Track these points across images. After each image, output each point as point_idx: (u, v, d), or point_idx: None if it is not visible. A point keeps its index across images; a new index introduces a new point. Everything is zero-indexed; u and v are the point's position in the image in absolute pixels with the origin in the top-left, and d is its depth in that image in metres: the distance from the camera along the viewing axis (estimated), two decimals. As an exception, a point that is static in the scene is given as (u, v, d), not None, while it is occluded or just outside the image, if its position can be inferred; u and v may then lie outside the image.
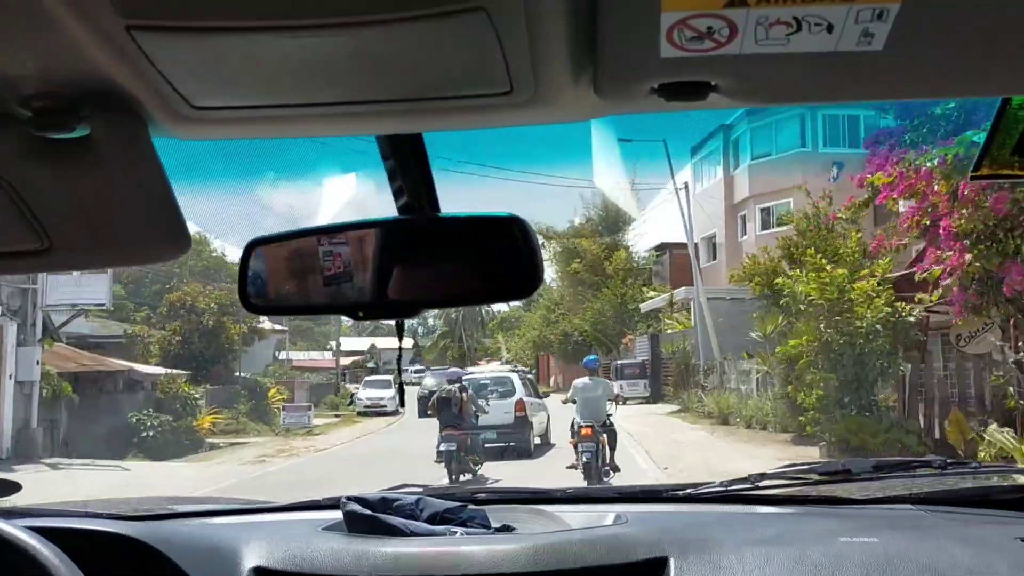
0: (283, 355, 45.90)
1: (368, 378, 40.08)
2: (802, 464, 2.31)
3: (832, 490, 2.22)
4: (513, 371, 22.46)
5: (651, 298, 34.65)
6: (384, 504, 1.98)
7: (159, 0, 0.68)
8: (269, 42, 0.73)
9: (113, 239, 1.03)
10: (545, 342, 44.09)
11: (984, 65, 0.80)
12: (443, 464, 12.32)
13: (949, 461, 2.28)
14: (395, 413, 31.80)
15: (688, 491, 2.27)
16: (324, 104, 0.85)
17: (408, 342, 70.59)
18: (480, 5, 0.68)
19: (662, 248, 39.33)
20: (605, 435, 11.12)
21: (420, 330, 68.82)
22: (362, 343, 72.93)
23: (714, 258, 33.03)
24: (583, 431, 10.86)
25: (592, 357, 13.34)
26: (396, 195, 1.13)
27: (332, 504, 2.13)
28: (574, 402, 11.84)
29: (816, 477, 2.28)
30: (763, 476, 2.27)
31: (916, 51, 0.76)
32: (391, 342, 75.00)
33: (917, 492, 2.10)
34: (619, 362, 32.42)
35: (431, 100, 0.85)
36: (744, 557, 1.66)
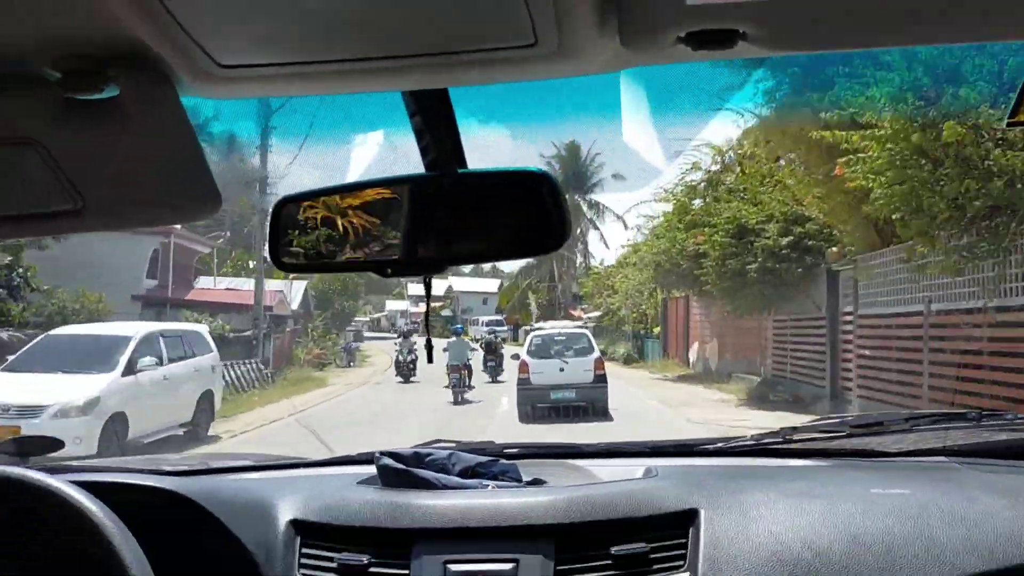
0: (202, 282, 28.48)
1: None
2: (835, 417, 2.30)
3: (864, 443, 2.22)
4: (585, 327, 21.07)
5: None
6: (417, 459, 2.01)
7: None
8: None
9: (144, 199, 1.03)
10: (682, 264, 20.13)
11: (1021, 8, 0.78)
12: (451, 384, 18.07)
13: (984, 413, 2.26)
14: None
15: (719, 445, 2.28)
16: (350, 60, 0.85)
17: (493, 284, 61.04)
18: None
19: None
20: (466, 370, 18.26)
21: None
22: (437, 286, 60.70)
23: None
24: (454, 367, 17.79)
25: (458, 326, 20.71)
26: (423, 151, 1.13)
27: (366, 459, 2.16)
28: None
29: (848, 430, 2.27)
30: (795, 430, 2.26)
31: None
32: (478, 284, 61.31)
33: (951, 445, 2.09)
34: None
35: (456, 54, 0.85)
36: (775, 508, 1.67)
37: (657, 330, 30.66)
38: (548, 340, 16.94)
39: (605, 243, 52.91)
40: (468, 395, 18.42)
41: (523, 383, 15.61)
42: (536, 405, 15.01)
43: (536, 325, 24.67)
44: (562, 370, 15.57)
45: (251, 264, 29.71)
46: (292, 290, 32.23)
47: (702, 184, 21.26)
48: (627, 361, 30.12)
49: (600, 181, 51.26)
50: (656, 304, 28.09)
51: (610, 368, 17.83)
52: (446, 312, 56.07)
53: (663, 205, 22.86)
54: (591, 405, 15.05)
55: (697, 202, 20.74)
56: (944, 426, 2.24)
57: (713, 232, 17.25)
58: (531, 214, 1.10)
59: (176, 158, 0.97)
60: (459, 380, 18.05)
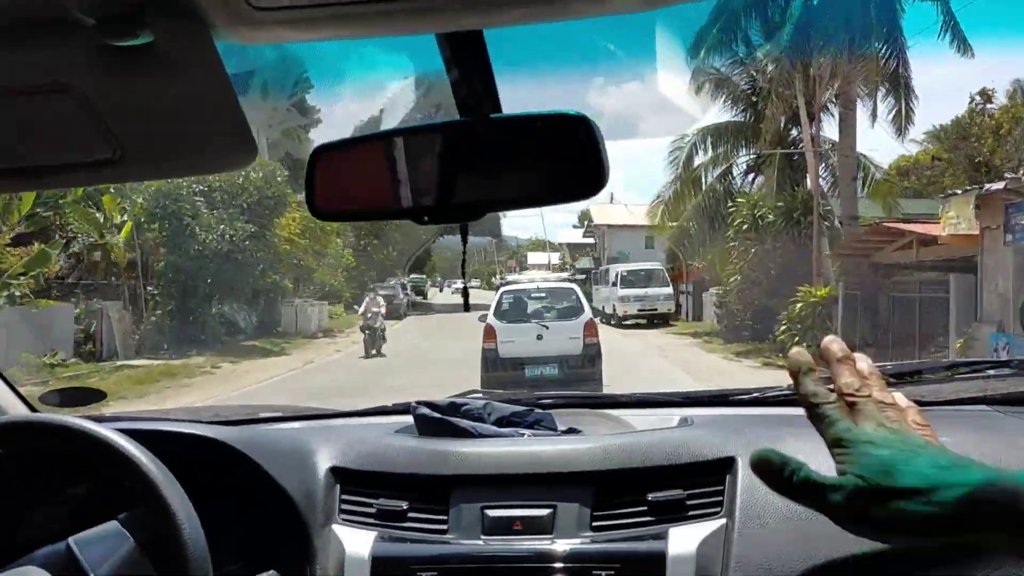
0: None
1: None
2: (874, 366, 2.27)
3: (903, 393, 2.19)
4: (572, 280, 16.04)
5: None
6: (453, 408, 2.03)
7: None
8: None
9: (181, 148, 1.03)
10: None
11: None
12: None
13: None
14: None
15: (754, 395, 2.26)
16: (385, 1, 0.84)
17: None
18: None
19: None
20: None
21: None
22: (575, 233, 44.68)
23: None
24: None
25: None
26: (456, 96, 1.12)
27: (402, 409, 2.18)
28: None
29: (887, 379, 2.24)
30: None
31: None
32: (637, 213, 33.20)
33: (992, 394, 2.06)
34: None
35: None
36: (813, 456, 1.66)
37: None
38: (522, 297, 13.08)
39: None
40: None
41: (488, 355, 11.96)
42: (506, 385, 11.21)
43: (510, 278, 17.26)
44: (540, 337, 12.06)
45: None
46: None
47: None
48: None
49: None
50: None
51: None
52: (584, 262, 38.10)
53: None
54: (577, 384, 11.33)
55: None
56: (984, 375, 2.21)
57: None
58: (568, 159, 1.08)
59: (211, 106, 0.97)
60: None
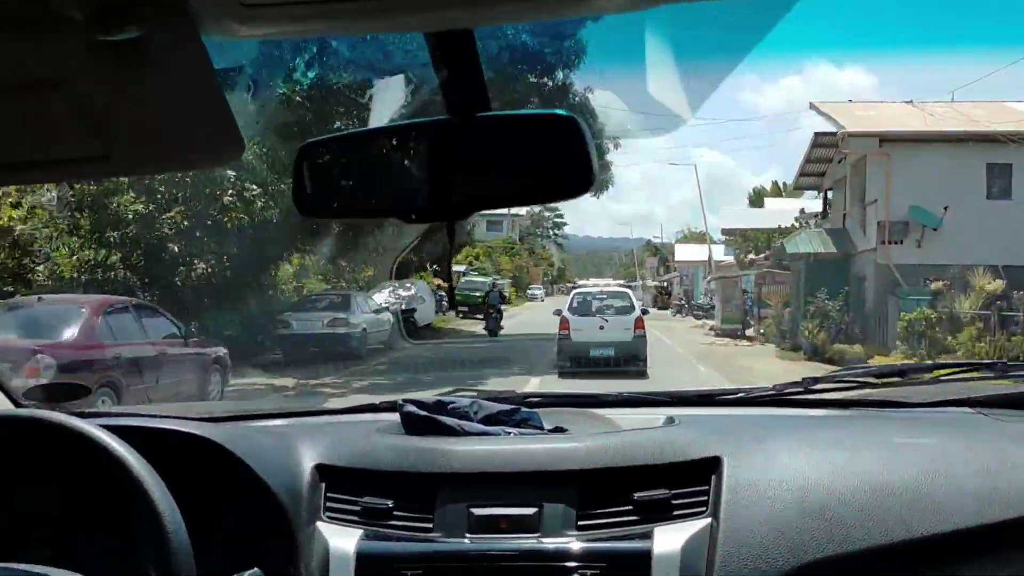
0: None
1: None
2: (857, 367, 2.29)
3: (887, 394, 2.21)
4: (628, 286, 20.01)
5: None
6: (440, 406, 2.03)
7: None
8: None
9: (168, 144, 1.03)
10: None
11: None
12: None
13: (1009, 363, 2.24)
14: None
15: (740, 395, 2.27)
16: None
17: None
18: None
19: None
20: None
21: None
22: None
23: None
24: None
25: None
26: (445, 94, 1.11)
27: (389, 407, 2.18)
28: None
29: (871, 380, 2.26)
30: (816, 380, 2.26)
31: None
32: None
33: (975, 396, 2.07)
34: None
35: None
36: (798, 457, 1.67)
37: None
38: (589, 298, 17.19)
39: None
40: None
41: (563, 339, 15.80)
42: (576, 359, 15.23)
43: (579, 283, 22.33)
44: (602, 328, 15.83)
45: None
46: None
47: None
48: None
49: None
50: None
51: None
52: (804, 243, 20.92)
53: None
54: (626, 363, 15.24)
55: None
56: (968, 377, 2.23)
57: None
58: (556, 158, 1.08)
59: (198, 101, 0.96)
60: None
